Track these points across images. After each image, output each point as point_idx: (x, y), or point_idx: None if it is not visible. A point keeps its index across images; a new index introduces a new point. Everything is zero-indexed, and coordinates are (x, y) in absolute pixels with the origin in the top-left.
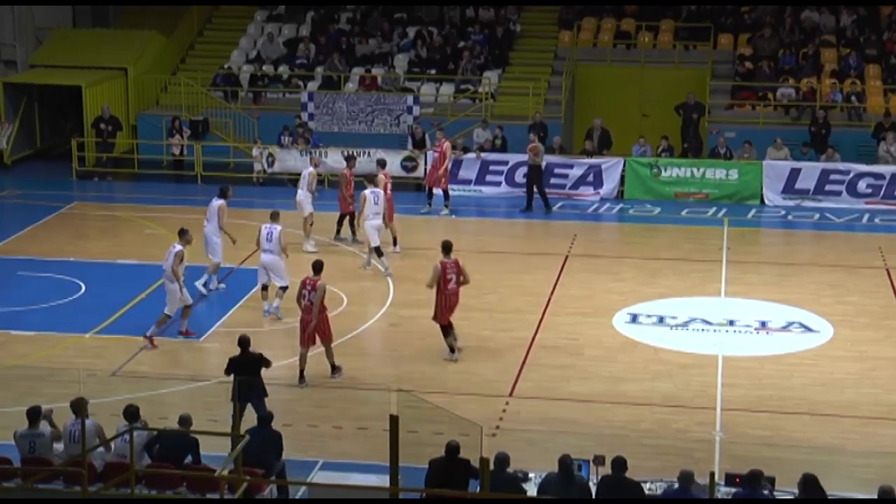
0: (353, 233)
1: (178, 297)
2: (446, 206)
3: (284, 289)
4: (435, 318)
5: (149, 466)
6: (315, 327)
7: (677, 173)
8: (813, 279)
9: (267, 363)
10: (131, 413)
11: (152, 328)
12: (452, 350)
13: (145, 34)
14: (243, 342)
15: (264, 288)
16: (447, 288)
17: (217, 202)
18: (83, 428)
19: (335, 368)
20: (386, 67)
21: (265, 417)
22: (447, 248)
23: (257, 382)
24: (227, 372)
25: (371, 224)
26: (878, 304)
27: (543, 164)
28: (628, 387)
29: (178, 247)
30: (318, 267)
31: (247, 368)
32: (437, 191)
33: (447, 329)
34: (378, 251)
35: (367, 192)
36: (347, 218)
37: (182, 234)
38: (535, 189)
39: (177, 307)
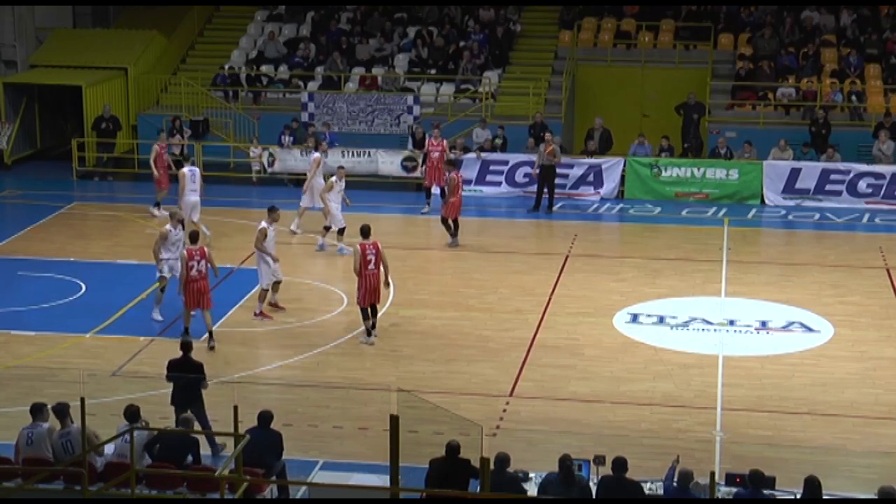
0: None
1: (264, 272)
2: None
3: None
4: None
5: (149, 466)
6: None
7: (678, 173)
8: (813, 279)
9: (203, 380)
10: (132, 413)
11: (258, 305)
12: (369, 333)
13: (145, 34)
14: (185, 346)
15: (326, 229)
16: (366, 269)
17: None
18: (83, 430)
19: (213, 336)
20: (386, 67)
21: (265, 417)
22: (365, 231)
23: (197, 391)
24: (169, 376)
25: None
26: (879, 303)
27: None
28: (629, 387)
29: (263, 223)
30: (195, 237)
31: (186, 373)
32: (436, 190)
33: (366, 312)
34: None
35: (185, 169)
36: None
37: (270, 211)
38: (545, 189)
39: (267, 281)
